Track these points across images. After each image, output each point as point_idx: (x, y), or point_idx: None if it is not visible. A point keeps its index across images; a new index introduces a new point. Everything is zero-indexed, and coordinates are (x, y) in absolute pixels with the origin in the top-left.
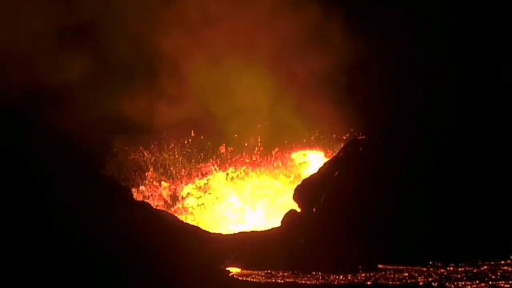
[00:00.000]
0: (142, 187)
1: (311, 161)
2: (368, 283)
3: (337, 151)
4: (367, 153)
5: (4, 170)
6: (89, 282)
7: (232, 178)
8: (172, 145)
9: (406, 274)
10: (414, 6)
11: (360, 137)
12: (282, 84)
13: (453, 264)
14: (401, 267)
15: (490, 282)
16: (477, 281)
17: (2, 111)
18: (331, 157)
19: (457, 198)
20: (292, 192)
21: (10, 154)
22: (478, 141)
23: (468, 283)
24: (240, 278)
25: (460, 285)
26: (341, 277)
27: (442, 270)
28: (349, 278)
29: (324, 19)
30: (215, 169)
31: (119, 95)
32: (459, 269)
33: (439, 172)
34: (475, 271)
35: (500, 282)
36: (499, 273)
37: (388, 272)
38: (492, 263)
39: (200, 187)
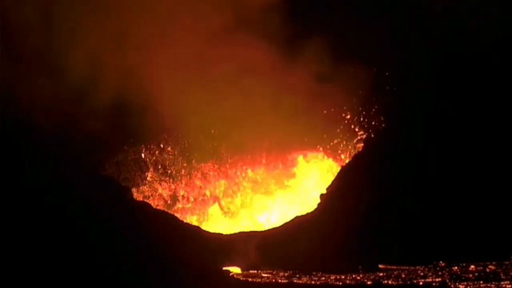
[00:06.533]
0: (142, 187)
1: (311, 161)
2: (368, 283)
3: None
4: (368, 153)
5: (4, 170)
6: (89, 281)
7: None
8: (172, 145)
9: (418, 275)
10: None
11: (360, 137)
12: (282, 85)
13: (455, 264)
14: (402, 267)
15: (494, 283)
16: (481, 282)
17: (2, 111)
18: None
19: (457, 198)
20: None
21: (11, 154)
22: (479, 143)
23: (470, 283)
24: (240, 278)
25: (461, 286)
26: (341, 277)
27: (451, 269)
28: (349, 278)
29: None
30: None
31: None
32: (461, 269)
33: (440, 172)
34: (487, 270)
35: (503, 282)
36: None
37: (388, 272)
38: (494, 263)
39: None
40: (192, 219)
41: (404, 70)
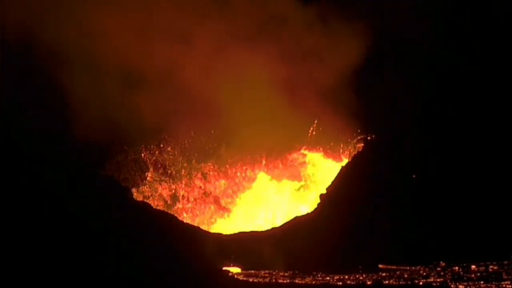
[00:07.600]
0: (142, 187)
1: (311, 161)
2: (368, 283)
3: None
4: (368, 153)
5: (4, 171)
6: (89, 281)
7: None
8: (172, 145)
9: (420, 275)
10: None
11: (359, 137)
12: (283, 86)
13: (455, 264)
14: (402, 267)
15: (495, 283)
16: (482, 282)
17: (2, 111)
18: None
19: (458, 198)
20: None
21: (11, 154)
22: (479, 143)
23: (470, 283)
24: (240, 278)
25: (461, 286)
26: (341, 277)
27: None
28: (351, 278)
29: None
30: None
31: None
32: (462, 269)
33: (440, 172)
34: (490, 270)
35: (504, 282)
36: None
37: (390, 272)
38: (494, 263)
39: None
40: (192, 219)
41: (404, 70)
